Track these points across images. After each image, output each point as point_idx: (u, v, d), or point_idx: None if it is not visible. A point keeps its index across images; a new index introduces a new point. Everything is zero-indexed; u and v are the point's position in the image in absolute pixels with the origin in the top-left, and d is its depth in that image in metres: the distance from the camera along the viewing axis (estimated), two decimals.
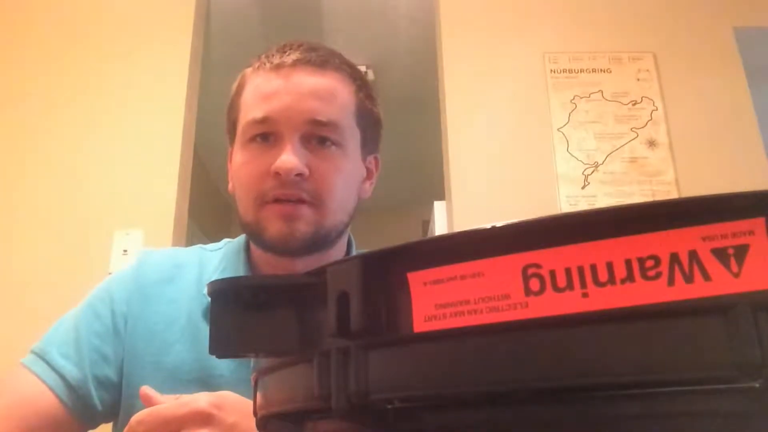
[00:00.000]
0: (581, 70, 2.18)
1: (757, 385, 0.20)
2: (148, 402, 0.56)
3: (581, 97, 2.15)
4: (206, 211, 3.72)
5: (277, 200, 0.69)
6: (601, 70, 2.19)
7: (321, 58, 0.74)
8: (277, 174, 0.68)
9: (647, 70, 2.19)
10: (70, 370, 0.70)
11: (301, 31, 2.78)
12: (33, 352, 0.73)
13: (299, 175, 0.68)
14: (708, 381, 0.20)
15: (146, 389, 0.58)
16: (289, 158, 0.68)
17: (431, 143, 2.66)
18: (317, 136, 0.71)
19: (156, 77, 2.15)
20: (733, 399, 0.21)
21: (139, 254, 0.81)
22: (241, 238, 0.81)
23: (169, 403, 0.52)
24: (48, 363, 0.71)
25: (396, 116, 3.35)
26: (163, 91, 2.13)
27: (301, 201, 0.69)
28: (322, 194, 0.70)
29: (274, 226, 0.69)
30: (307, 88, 0.71)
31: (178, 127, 2.08)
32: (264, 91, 0.72)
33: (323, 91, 0.72)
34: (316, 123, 0.71)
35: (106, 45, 2.19)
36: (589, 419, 0.22)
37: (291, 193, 0.69)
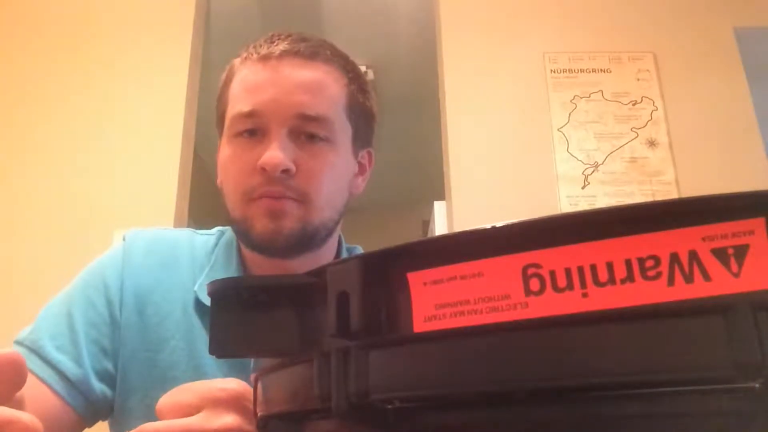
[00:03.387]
0: (581, 70, 2.18)
1: (757, 385, 0.20)
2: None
3: (581, 97, 2.15)
4: (206, 211, 3.71)
5: (262, 196, 0.67)
6: (601, 70, 2.19)
7: (310, 49, 0.71)
8: (263, 170, 0.65)
9: (647, 70, 2.19)
10: (69, 366, 0.66)
11: (301, 31, 2.78)
12: (21, 344, 0.66)
13: (285, 171, 0.66)
14: (708, 381, 0.20)
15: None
16: (275, 154, 0.65)
17: (431, 143, 2.65)
18: (306, 131, 0.68)
19: (156, 77, 2.15)
20: (733, 399, 0.20)
21: (127, 237, 0.77)
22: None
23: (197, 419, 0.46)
24: (42, 358, 0.66)
25: (396, 116, 3.35)
26: (163, 91, 2.13)
27: (286, 197, 0.67)
28: (309, 192, 0.68)
29: (260, 223, 0.67)
30: (294, 80, 0.68)
31: (178, 126, 2.08)
32: (250, 84, 0.69)
33: (312, 84, 0.69)
34: (304, 117, 0.68)
35: (106, 45, 2.19)
36: (589, 419, 0.22)
37: (277, 190, 0.66)
